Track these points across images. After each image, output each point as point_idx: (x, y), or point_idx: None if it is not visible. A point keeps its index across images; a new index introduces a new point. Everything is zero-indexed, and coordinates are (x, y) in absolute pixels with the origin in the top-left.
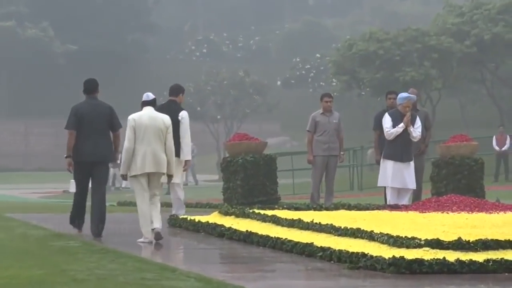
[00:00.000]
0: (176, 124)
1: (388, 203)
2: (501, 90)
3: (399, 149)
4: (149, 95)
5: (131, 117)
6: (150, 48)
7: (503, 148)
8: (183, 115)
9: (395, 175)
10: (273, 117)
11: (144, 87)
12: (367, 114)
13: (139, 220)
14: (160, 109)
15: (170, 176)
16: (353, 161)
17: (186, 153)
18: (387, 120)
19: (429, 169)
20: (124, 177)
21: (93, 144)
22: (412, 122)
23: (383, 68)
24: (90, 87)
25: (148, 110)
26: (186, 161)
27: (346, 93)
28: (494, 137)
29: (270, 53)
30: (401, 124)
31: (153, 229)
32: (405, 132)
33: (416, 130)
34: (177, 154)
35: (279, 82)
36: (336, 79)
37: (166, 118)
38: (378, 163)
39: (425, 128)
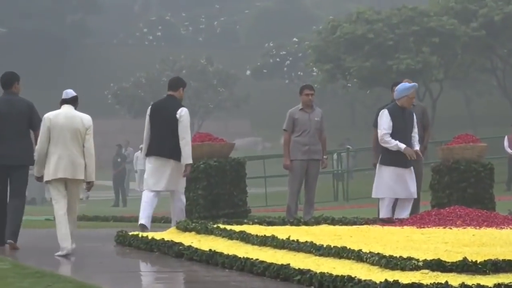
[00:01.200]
0: (174, 122)
1: (381, 216)
2: None
3: (401, 153)
4: (68, 93)
5: (47, 116)
6: (94, 31)
7: None
8: (182, 112)
9: (397, 183)
10: (242, 114)
11: (86, 78)
12: (354, 110)
13: (56, 231)
14: (156, 105)
15: (89, 183)
16: (338, 167)
17: (187, 156)
18: (385, 119)
19: (428, 175)
20: (39, 179)
21: (9, 145)
22: (409, 120)
23: (373, 55)
24: (7, 81)
25: (66, 109)
26: (186, 165)
27: (329, 85)
28: (505, 137)
29: (238, 37)
30: (404, 146)
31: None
32: (407, 131)
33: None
34: (178, 157)
35: (248, 72)
36: (317, 68)
37: (86, 118)
38: (375, 166)
39: (423, 127)
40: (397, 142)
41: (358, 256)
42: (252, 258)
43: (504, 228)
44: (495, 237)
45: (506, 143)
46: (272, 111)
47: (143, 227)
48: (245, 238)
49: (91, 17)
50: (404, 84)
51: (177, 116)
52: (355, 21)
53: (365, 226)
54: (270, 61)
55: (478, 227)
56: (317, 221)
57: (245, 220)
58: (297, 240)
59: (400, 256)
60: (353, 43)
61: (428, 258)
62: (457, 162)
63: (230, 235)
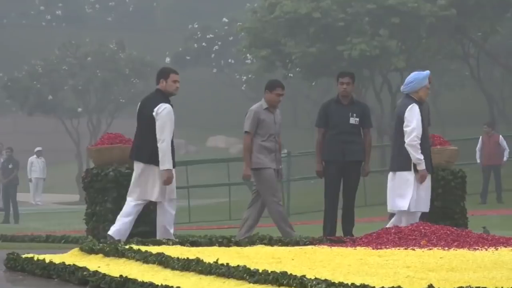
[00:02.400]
0: (153, 122)
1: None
2: (490, 70)
3: (427, 156)
4: None
5: None
6: None
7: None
8: (159, 109)
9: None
10: None
11: None
12: (296, 105)
13: None
14: (141, 102)
15: None
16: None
17: (161, 160)
18: (417, 116)
19: (385, 185)
20: None
21: None
22: (426, 119)
23: (320, 39)
24: None
25: None
26: (165, 171)
27: (266, 75)
28: (480, 139)
29: (155, 17)
30: (424, 165)
31: None
32: (426, 132)
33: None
34: (156, 161)
35: (168, 59)
36: (251, 55)
37: None
38: (319, 175)
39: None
40: (422, 156)
41: (301, 284)
42: (172, 286)
43: (478, 249)
44: (467, 260)
45: (479, 145)
46: (197, 107)
47: (110, 237)
48: (163, 261)
49: None
50: (418, 73)
51: (154, 114)
52: None
53: (309, 247)
54: (195, 46)
55: (446, 248)
56: (252, 241)
57: (164, 240)
58: (227, 264)
59: (353, 284)
60: (296, 24)
61: (386, 286)
62: None
63: (146, 258)
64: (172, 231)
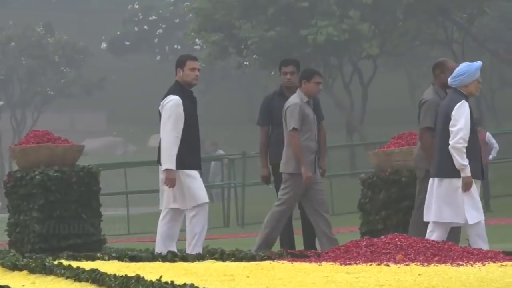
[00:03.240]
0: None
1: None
2: (477, 58)
3: (477, 161)
4: None
5: None
6: None
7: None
8: (165, 102)
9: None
10: (95, 103)
11: None
12: (252, 98)
13: None
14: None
15: None
16: (230, 178)
17: (163, 159)
18: (466, 115)
19: (356, 191)
20: None
21: None
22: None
23: (281, 22)
24: None
25: None
26: (165, 171)
27: (218, 63)
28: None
29: None
30: (469, 172)
31: None
32: (475, 131)
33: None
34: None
35: (104, 45)
36: (201, 40)
37: None
38: (265, 181)
39: None
40: (467, 161)
41: None
42: None
43: (462, 265)
44: (449, 277)
45: None
46: (137, 101)
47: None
48: (98, 279)
49: None
50: (469, 65)
51: (160, 108)
52: None
53: (267, 262)
54: (135, 29)
55: (426, 264)
56: (201, 256)
57: (99, 254)
58: (172, 282)
59: None
60: (252, 5)
61: None
62: (397, 172)
63: (78, 275)
64: (199, 241)
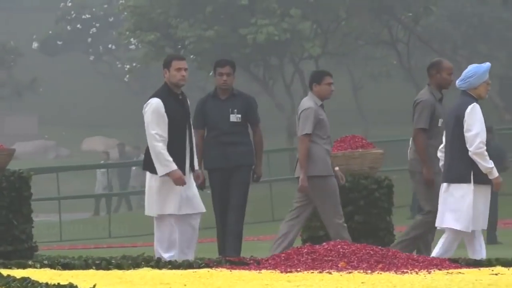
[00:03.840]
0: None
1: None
2: (423, 58)
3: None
4: None
5: None
6: None
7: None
8: (145, 107)
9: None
10: (26, 105)
11: None
12: (190, 100)
13: None
14: None
15: None
16: None
17: (158, 167)
18: (480, 118)
19: (293, 196)
20: None
21: None
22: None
23: (219, 21)
24: None
25: None
26: (166, 175)
27: (154, 64)
28: (410, 140)
29: None
30: (497, 172)
31: None
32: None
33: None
34: (149, 168)
35: (36, 44)
36: (136, 39)
37: None
38: (201, 187)
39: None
40: (492, 163)
41: None
42: None
43: (407, 272)
44: (393, 285)
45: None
46: (70, 102)
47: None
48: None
49: None
50: (478, 67)
51: (143, 112)
52: None
53: (205, 270)
54: (68, 28)
55: (369, 271)
56: (136, 263)
57: (30, 262)
58: None
59: None
60: (189, 3)
61: None
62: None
63: (8, 284)
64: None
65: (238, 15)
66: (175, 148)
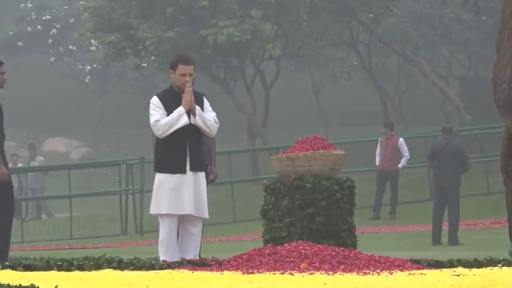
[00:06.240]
0: None
1: None
2: (384, 59)
3: None
4: None
5: None
6: None
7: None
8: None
9: None
10: None
11: None
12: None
13: None
14: None
15: None
16: (128, 184)
17: (177, 121)
18: None
19: (259, 197)
20: None
21: None
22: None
23: (180, 22)
24: None
25: None
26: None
27: (114, 65)
28: (379, 142)
29: None
30: None
31: None
32: None
33: None
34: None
35: None
36: (97, 40)
37: None
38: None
39: None
40: None
41: None
42: None
43: (368, 273)
44: (355, 286)
45: (378, 149)
46: (31, 103)
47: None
48: None
49: None
50: None
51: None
52: None
53: (167, 271)
54: (28, 29)
55: (331, 272)
56: (98, 264)
57: None
58: None
59: None
60: (150, 4)
61: None
62: (301, 178)
63: None
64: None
65: (199, 16)
66: (175, 147)
